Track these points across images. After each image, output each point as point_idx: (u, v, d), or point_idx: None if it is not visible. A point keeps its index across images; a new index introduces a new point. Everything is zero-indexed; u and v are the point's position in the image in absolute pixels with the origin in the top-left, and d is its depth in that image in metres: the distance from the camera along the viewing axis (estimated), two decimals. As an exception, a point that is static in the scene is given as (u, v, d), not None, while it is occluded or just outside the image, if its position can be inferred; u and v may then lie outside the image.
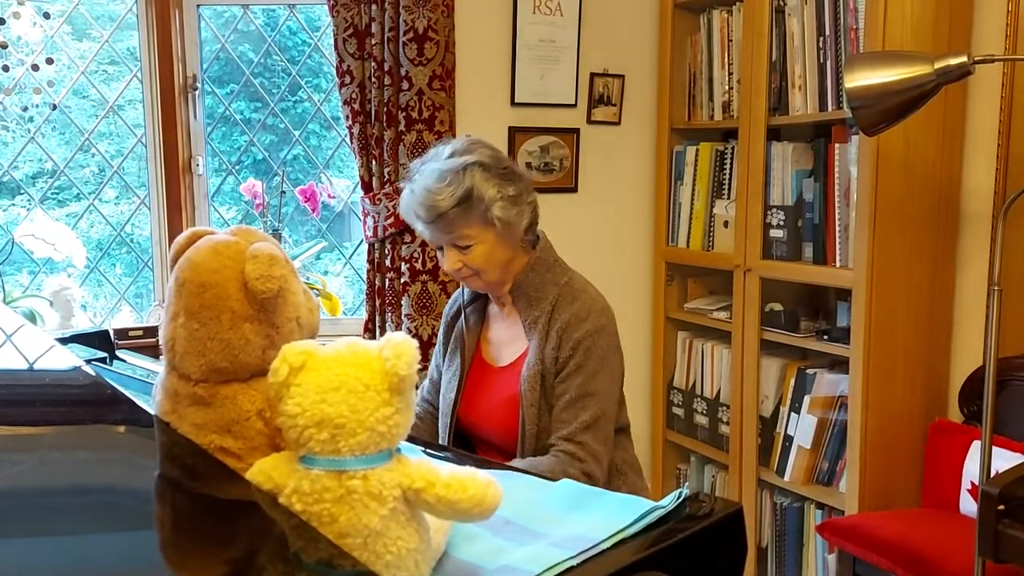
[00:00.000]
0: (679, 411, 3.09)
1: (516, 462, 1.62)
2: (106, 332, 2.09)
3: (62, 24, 2.88)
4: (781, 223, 2.61)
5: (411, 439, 1.09)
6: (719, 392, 2.91)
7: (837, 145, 2.45)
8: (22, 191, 2.99)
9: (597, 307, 1.74)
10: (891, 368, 2.40)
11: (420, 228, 1.75)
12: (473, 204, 1.65)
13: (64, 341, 1.85)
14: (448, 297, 2.81)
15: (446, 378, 1.85)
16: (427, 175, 1.67)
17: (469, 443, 1.85)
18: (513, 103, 2.94)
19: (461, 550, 1.03)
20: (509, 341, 1.80)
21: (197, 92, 2.96)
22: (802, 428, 2.56)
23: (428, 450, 1.35)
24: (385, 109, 2.73)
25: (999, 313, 1.91)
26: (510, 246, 1.72)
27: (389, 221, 2.76)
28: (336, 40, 2.73)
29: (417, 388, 1.87)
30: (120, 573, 0.76)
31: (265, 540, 0.86)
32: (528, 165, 2.97)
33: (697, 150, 2.98)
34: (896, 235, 2.35)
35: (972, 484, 2.21)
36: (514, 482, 1.21)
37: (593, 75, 3.02)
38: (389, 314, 2.83)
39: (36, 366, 1.35)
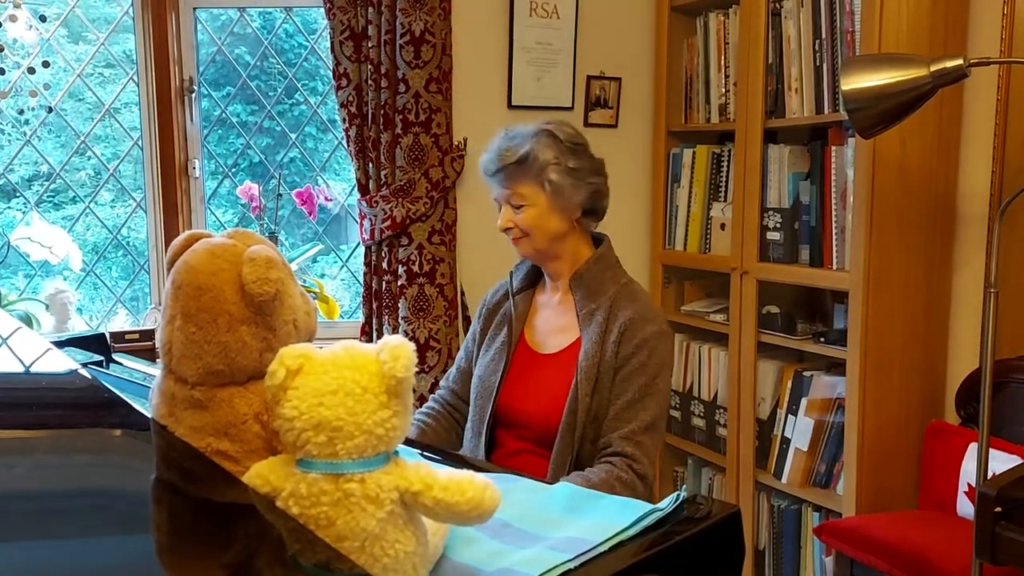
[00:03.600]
0: (676, 414, 3.08)
1: (572, 476, 1.60)
2: (102, 335, 2.08)
3: (58, 27, 2.88)
4: (778, 225, 2.61)
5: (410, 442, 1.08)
6: (716, 395, 2.91)
7: (833, 147, 2.46)
8: (18, 194, 2.98)
9: (658, 314, 1.81)
10: (888, 370, 2.40)
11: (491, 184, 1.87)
12: (529, 164, 1.75)
13: (60, 344, 1.84)
14: (445, 300, 2.83)
15: (484, 361, 1.88)
16: (505, 135, 1.82)
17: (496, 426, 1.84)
18: (510, 106, 2.93)
19: (459, 553, 1.03)
20: (559, 330, 1.83)
21: (193, 95, 2.95)
22: (799, 430, 2.56)
23: (425, 453, 1.34)
24: (382, 112, 2.73)
25: (995, 315, 1.91)
26: (562, 218, 1.78)
27: (386, 224, 2.76)
28: (333, 43, 2.72)
29: (431, 390, 1.85)
30: (117, 577, 0.76)
31: (262, 543, 0.86)
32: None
33: (694, 152, 2.98)
34: (892, 237, 2.36)
35: (969, 486, 2.22)
36: (512, 485, 1.21)
37: (590, 78, 3.02)
38: (386, 317, 2.82)
39: (32, 369, 1.34)
